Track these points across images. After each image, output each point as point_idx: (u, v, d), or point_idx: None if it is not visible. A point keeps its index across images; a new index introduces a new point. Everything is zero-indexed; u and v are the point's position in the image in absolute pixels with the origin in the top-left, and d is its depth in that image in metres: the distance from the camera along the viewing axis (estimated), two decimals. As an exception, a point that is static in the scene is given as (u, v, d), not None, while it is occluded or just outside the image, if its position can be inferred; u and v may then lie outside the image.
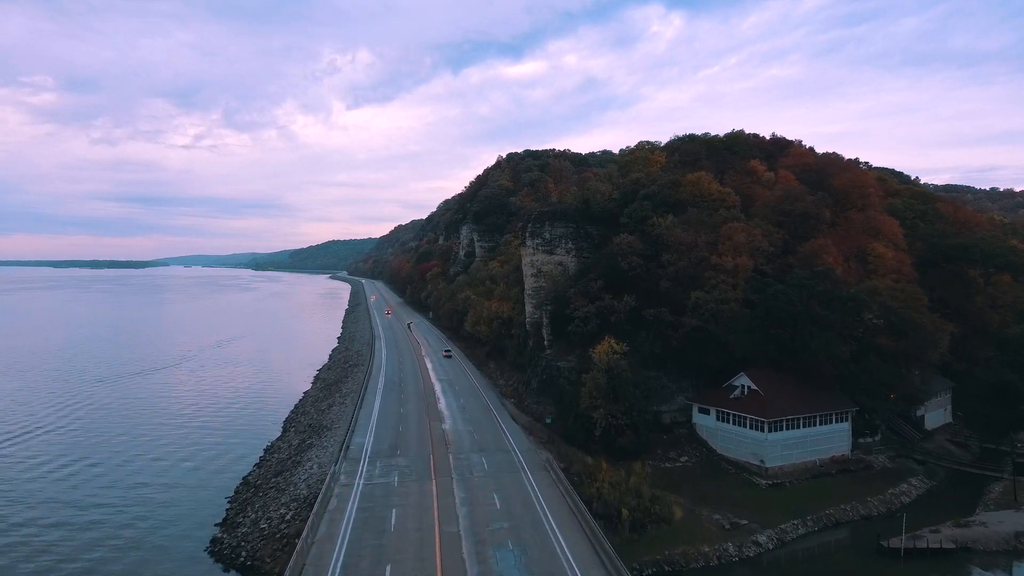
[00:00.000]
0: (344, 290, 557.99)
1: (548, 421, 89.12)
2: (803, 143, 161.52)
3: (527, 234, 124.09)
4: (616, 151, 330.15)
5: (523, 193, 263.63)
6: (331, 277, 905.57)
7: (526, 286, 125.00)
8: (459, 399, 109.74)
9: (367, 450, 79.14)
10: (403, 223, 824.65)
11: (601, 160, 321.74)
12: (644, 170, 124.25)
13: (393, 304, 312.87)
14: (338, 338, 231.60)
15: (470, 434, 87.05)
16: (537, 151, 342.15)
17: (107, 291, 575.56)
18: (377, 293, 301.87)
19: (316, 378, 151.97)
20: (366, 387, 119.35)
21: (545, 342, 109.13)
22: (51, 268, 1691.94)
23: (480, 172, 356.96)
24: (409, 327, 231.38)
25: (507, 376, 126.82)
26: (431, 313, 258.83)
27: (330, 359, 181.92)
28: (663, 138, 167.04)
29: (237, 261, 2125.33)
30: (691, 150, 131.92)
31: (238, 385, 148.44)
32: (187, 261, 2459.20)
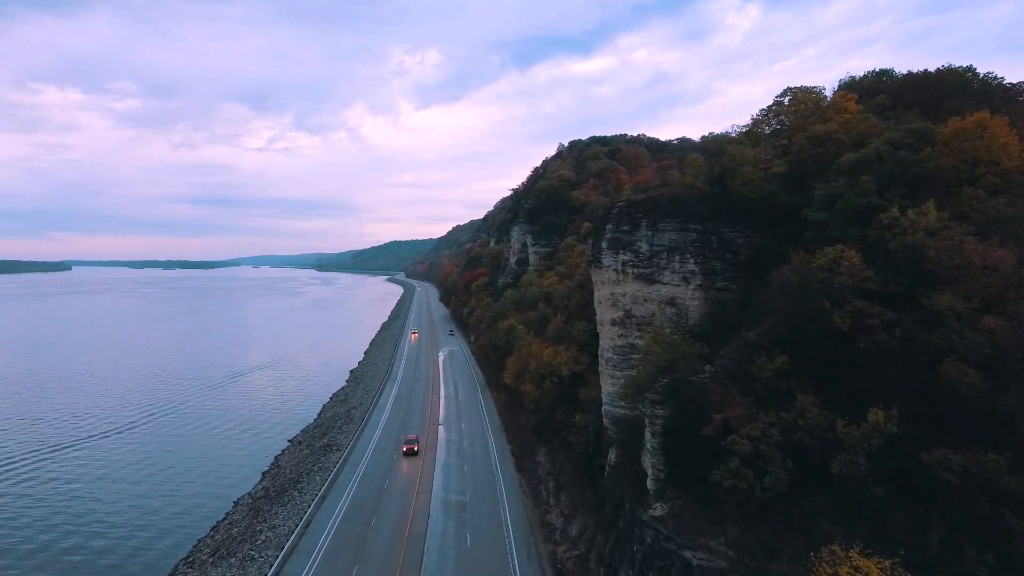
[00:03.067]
0: (394, 296, 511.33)
1: None
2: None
3: (603, 243, 66.14)
4: (697, 139, 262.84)
5: (588, 186, 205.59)
6: (388, 279, 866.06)
7: (603, 341, 67.16)
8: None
9: None
10: (462, 223, 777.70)
11: (681, 149, 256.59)
12: (831, 121, 63.94)
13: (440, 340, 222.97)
14: (351, 371, 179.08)
15: None
16: (605, 137, 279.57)
17: (150, 296, 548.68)
18: (418, 330, 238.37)
19: (265, 475, 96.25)
20: (305, 530, 64.41)
21: (649, 480, 50.72)
22: (127, 268, 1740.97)
23: (538, 164, 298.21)
24: (439, 358, 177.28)
25: (568, 509, 68.25)
26: (472, 337, 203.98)
27: (318, 416, 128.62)
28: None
29: (303, 261, 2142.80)
30: (918, 83, 70.22)
31: (146, 491, 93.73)
32: (256, 261, 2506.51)
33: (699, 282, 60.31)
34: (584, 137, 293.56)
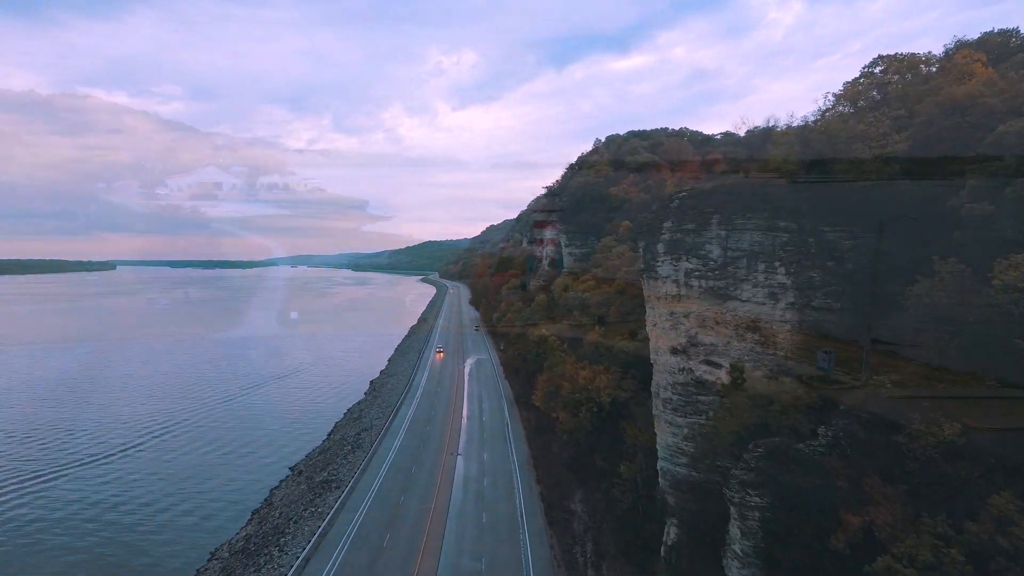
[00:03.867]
0: (426, 297, 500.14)
1: None
2: None
3: (659, 246, 51.01)
4: (742, 134, 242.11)
5: (627, 182, 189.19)
6: (421, 279, 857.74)
7: (658, 375, 51.90)
8: None
9: None
10: (496, 223, 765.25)
11: (726, 143, 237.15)
12: (971, 81, 47.75)
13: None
14: (371, 382, 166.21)
15: None
16: (645, 131, 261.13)
17: (181, 296, 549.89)
18: (444, 348, 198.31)
19: (254, 515, 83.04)
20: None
21: (732, 590, 35.75)
22: (169, 268, 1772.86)
23: (574, 161, 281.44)
24: (465, 369, 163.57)
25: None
26: (502, 345, 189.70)
27: (327, 439, 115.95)
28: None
29: (340, 261, 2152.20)
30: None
31: (114, 534, 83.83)
32: (295, 261, 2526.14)
33: (791, 299, 44.71)
34: (622, 134, 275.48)
